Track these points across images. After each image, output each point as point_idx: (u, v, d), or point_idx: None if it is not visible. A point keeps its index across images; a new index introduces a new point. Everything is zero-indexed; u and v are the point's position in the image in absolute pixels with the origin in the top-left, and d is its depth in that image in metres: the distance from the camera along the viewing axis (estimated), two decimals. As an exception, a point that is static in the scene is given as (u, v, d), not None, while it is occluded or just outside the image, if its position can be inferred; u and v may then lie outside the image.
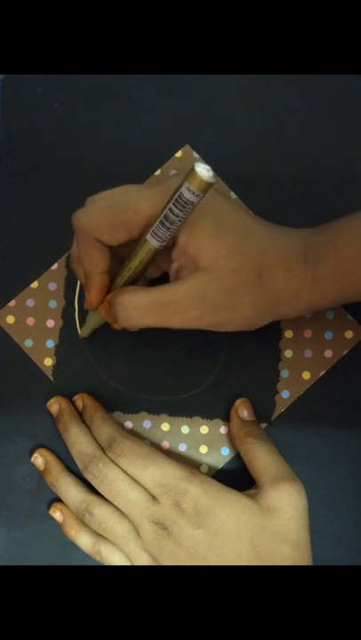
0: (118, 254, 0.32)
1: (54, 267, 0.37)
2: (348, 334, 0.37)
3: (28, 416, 0.36)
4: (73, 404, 0.36)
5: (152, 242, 0.30)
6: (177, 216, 0.27)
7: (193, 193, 0.26)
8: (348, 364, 0.37)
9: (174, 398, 0.37)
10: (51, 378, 0.37)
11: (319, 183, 0.37)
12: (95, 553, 0.33)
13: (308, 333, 0.37)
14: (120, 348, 0.37)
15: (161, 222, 0.28)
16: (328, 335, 0.37)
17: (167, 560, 0.30)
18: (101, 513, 0.32)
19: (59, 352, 0.37)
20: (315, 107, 0.38)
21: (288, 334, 0.37)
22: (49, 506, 0.36)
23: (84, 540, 0.34)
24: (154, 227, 0.29)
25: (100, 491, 0.33)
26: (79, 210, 0.31)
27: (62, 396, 0.36)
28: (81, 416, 0.36)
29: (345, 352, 0.37)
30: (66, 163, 0.37)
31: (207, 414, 0.37)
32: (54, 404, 0.36)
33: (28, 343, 0.37)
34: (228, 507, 0.31)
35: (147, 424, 0.37)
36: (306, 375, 0.37)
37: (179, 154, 0.37)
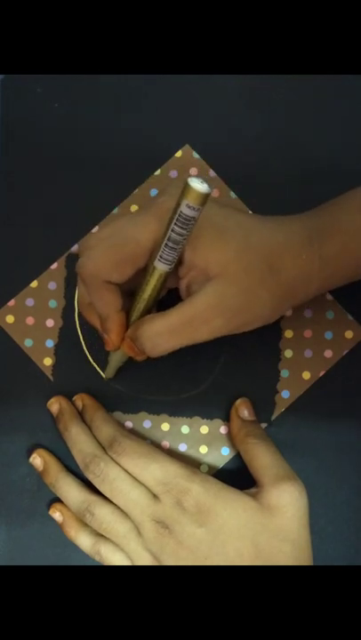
0: (126, 288, 0.32)
1: (54, 266, 0.37)
2: (349, 334, 0.37)
3: (28, 416, 0.36)
4: (72, 404, 0.36)
5: (161, 267, 0.30)
6: (181, 235, 0.27)
7: (193, 208, 0.26)
8: (349, 364, 0.37)
9: (174, 398, 0.37)
10: (50, 377, 0.37)
11: (319, 183, 0.37)
12: (95, 553, 0.33)
13: (308, 333, 0.37)
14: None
15: (166, 245, 0.28)
16: (328, 335, 0.37)
17: (169, 559, 0.30)
18: (102, 513, 0.32)
19: (58, 352, 0.37)
20: (315, 107, 0.38)
21: (288, 334, 0.37)
22: (49, 506, 0.36)
23: (84, 540, 0.34)
24: (160, 252, 0.29)
25: (100, 490, 0.33)
26: (81, 258, 0.31)
27: (62, 396, 0.36)
28: (81, 416, 0.36)
29: (345, 352, 0.37)
30: (66, 162, 0.37)
31: (207, 414, 0.37)
32: (54, 404, 0.36)
33: (28, 343, 0.37)
34: (229, 505, 0.31)
35: (147, 424, 0.37)
36: (306, 375, 0.37)
37: (179, 154, 0.37)
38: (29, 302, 0.37)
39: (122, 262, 0.30)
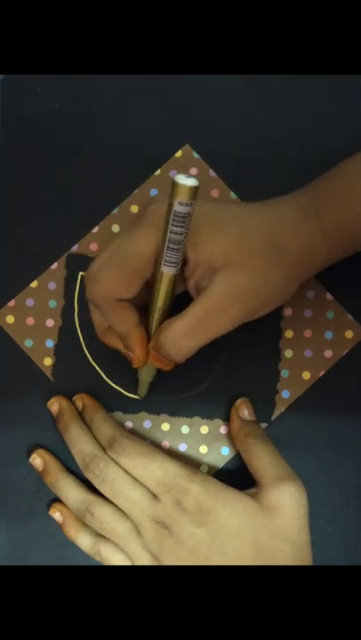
0: (137, 304, 0.32)
1: (54, 266, 0.37)
2: (349, 334, 0.37)
3: (28, 416, 0.36)
4: (72, 404, 0.36)
5: (168, 270, 0.30)
6: (180, 234, 0.27)
7: (185, 204, 0.26)
8: (349, 364, 0.37)
9: (174, 398, 0.37)
10: (50, 378, 0.37)
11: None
12: (95, 553, 0.33)
13: (308, 333, 0.37)
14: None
15: (168, 248, 0.28)
16: (328, 335, 0.37)
17: (169, 559, 0.30)
18: (102, 513, 0.32)
19: (58, 352, 0.37)
20: (315, 107, 0.38)
21: (288, 334, 0.37)
22: (49, 506, 0.36)
23: (84, 541, 0.34)
24: (163, 256, 0.29)
25: (100, 490, 0.33)
26: (89, 285, 0.31)
27: (62, 396, 0.36)
28: (81, 416, 0.36)
29: (345, 352, 0.37)
30: (66, 162, 0.37)
31: (207, 414, 0.37)
32: (54, 404, 0.36)
33: (28, 343, 0.37)
34: (229, 505, 0.31)
35: (147, 424, 0.37)
36: (306, 375, 0.37)
37: (179, 154, 0.37)
38: (29, 302, 0.37)
39: (128, 278, 0.30)
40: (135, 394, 0.36)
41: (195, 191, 0.26)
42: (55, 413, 0.36)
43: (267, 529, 0.30)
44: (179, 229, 0.27)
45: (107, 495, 0.32)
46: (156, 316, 0.32)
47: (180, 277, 0.31)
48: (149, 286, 0.31)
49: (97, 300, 0.31)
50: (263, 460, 0.33)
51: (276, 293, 0.31)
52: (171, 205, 0.26)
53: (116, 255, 0.30)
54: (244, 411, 0.36)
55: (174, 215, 0.27)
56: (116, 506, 0.32)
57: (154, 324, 0.32)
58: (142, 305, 0.32)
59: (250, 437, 0.34)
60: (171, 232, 0.27)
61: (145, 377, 0.35)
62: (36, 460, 0.35)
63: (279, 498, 0.31)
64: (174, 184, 0.26)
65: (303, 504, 0.31)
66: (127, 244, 0.30)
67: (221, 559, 0.30)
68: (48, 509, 0.35)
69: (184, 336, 0.30)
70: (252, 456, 0.33)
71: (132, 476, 0.32)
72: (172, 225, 0.27)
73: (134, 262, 0.30)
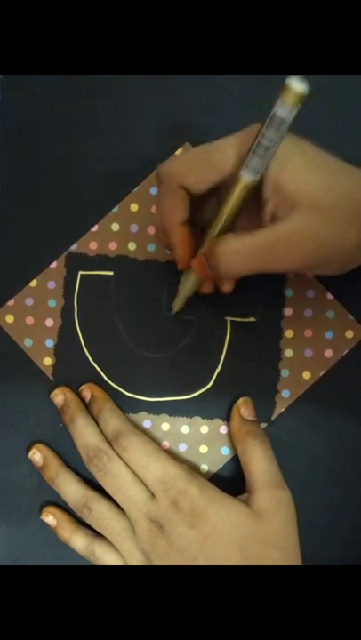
0: (197, 219, 0.32)
1: (53, 265, 0.37)
2: (349, 334, 0.37)
3: (28, 416, 0.36)
4: (78, 394, 0.36)
5: (246, 176, 0.29)
6: (271, 140, 0.27)
7: (287, 109, 0.25)
8: (349, 364, 0.37)
9: (174, 398, 0.37)
10: (50, 377, 0.37)
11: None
12: (90, 553, 0.33)
13: (308, 333, 0.37)
14: (120, 348, 0.37)
15: (254, 152, 0.27)
16: (328, 335, 0.37)
17: (158, 559, 0.31)
18: (100, 509, 0.33)
19: (58, 351, 0.37)
20: (315, 107, 0.38)
21: (288, 334, 0.37)
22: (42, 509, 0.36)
23: (79, 541, 0.34)
24: (247, 159, 0.28)
25: (102, 484, 0.33)
26: (165, 161, 0.31)
27: (67, 387, 0.36)
28: (86, 407, 0.36)
29: (345, 352, 0.37)
30: (65, 162, 0.37)
31: (207, 414, 0.37)
32: (59, 395, 0.36)
33: (28, 343, 0.37)
34: (222, 509, 0.31)
35: (147, 424, 0.37)
36: (306, 375, 0.37)
37: (178, 153, 0.37)
38: (29, 302, 0.37)
39: (202, 166, 0.30)
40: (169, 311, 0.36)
41: (302, 98, 0.25)
42: (60, 405, 0.35)
43: (256, 535, 0.30)
44: (271, 135, 0.26)
45: (107, 490, 0.33)
46: (219, 222, 0.31)
47: (256, 201, 0.30)
48: (212, 204, 0.31)
49: (164, 176, 0.30)
50: (259, 465, 0.33)
51: (345, 256, 0.30)
52: (271, 106, 0.25)
53: (201, 147, 0.30)
54: (245, 410, 0.36)
55: (271, 117, 0.26)
56: (114, 503, 0.33)
57: (213, 231, 0.31)
58: (199, 222, 0.32)
59: (249, 437, 0.34)
60: (263, 135, 0.27)
61: (185, 289, 0.34)
62: (36, 455, 0.35)
63: (269, 504, 0.31)
64: (283, 85, 0.25)
65: (292, 511, 0.32)
66: (215, 142, 0.30)
67: (209, 561, 0.30)
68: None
69: (241, 254, 0.29)
70: (249, 457, 0.33)
71: (134, 473, 0.32)
72: (267, 127, 0.26)
73: (215, 156, 0.30)
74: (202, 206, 0.32)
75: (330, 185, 0.29)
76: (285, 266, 0.29)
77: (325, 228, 0.29)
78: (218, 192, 0.31)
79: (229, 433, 0.36)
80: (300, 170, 0.29)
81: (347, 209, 0.29)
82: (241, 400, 0.36)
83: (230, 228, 0.31)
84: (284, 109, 0.25)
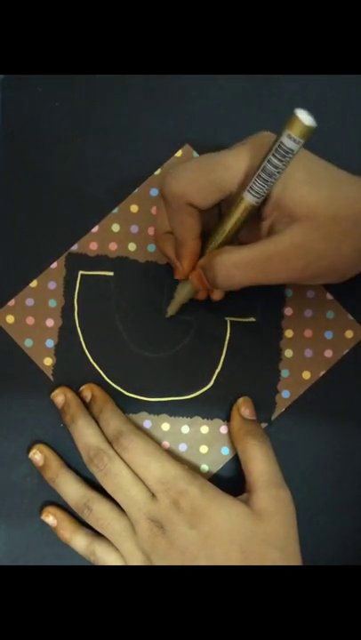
0: (202, 221, 0.32)
1: (53, 265, 0.37)
2: (349, 334, 0.37)
3: (28, 416, 0.36)
4: (79, 394, 0.36)
5: (249, 199, 0.29)
6: (276, 167, 0.27)
7: (294, 140, 0.25)
8: (349, 364, 0.37)
9: (174, 398, 0.37)
10: (51, 378, 0.37)
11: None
12: (90, 553, 0.33)
13: (308, 333, 0.37)
14: (120, 348, 0.37)
15: (259, 176, 0.28)
16: (328, 335, 0.37)
17: (158, 559, 0.31)
18: (100, 509, 0.33)
19: (58, 352, 0.37)
20: (315, 107, 0.38)
21: (288, 334, 0.37)
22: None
23: (79, 542, 0.34)
24: (251, 183, 0.28)
25: (102, 484, 0.33)
26: (167, 179, 0.31)
27: (67, 387, 0.36)
28: (87, 407, 0.36)
29: (345, 352, 0.37)
30: (66, 162, 0.37)
31: (207, 414, 0.37)
32: (59, 395, 0.36)
33: (28, 343, 0.37)
34: (223, 509, 0.31)
35: (147, 424, 0.37)
36: (306, 375, 0.37)
37: (179, 154, 0.37)
38: (29, 302, 0.37)
39: (208, 186, 0.30)
40: (165, 314, 0.36)
41: (309, 132, 0.25)
42: (60, 405, 0.35)
43: (256, 535, 0.31)
44: (277, 162, 0.27)
45: (108, 490, 0.33)
46: (218, 238, 0.31)
47: (256, 216, 0.30)
48: (215, 216, 0.31)
49: (169, 196, 0.31)
50: (259, 465, 0.33)
51: (341, 267, 0.30)
52: (279, 135, 0.26)
53: (204, 161, 0.30)
54: (245, 409, 0.36)
55: (279, 146, 0.26)
56: (114, 503, 0.33)
57: (212, 245, 0.31)
58: (204, 230, 0.32)
59: (249, 437, 0.34)
60: (268, 162, 0.27)
61: (180, 295, 0.35)
62: (36, 455, 0.35)
63: (269, 504, 0.31)
64: (292, 116, 0.25)
65: (291, 511, 0.32)
66: (219, 156, 0.30)
67: (209, 561, 0.30)
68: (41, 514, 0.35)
69: (238, 267, 0.30)
70: (249, 457, 0.33)
71: (135, 473, 0.32)
72: (273, 155, 0.26)
73: (219, 174, 0.29)
74: (203, 215, 0.32)
75: (330, 197, 0.29)
76: (282, 278, 0.30)
77: (321, 242, 0.29)
78: (220, 203, 0.31)
79: (230, 433, 0.36)
80: (301, 186, 0.29)
81: (344, 222, 0.29)
82: (241, 400, 0.36)
83: (230, 243, 0.31)
84: (291, 140, 0.25)
